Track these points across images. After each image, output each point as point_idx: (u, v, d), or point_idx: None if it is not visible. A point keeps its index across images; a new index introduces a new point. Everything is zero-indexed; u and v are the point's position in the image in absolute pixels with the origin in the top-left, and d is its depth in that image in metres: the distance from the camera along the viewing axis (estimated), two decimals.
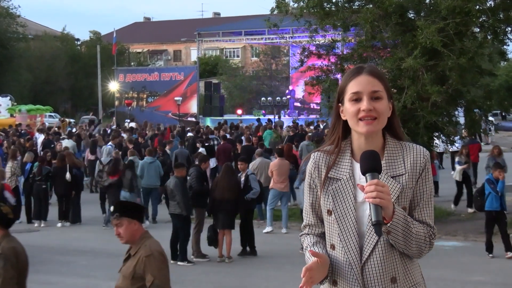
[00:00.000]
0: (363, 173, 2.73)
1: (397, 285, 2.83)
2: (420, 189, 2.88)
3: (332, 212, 2.88)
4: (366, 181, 2.69)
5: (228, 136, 24.89)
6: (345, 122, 2.92)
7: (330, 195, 2.89)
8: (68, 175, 16.23)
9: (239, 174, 13.15)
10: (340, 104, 2.93)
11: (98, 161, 17.56)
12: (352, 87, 2.85)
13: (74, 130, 31.22)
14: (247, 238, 12.84)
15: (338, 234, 2.86)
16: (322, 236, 3.00)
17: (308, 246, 2.96)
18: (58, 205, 16.71)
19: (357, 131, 2.87)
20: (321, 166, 2.95)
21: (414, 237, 2.79)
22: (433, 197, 2.94)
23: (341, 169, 2.91)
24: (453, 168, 23.56)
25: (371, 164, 2.71)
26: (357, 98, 2.83)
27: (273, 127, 28.15)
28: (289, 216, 15.27)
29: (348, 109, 2.86)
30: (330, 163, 2.93)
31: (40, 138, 25.83)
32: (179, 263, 12.00)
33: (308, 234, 3.04)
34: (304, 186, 3.06)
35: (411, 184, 2.86)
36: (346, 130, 2.95)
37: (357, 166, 2.85)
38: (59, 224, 16.32)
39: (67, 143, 22.43)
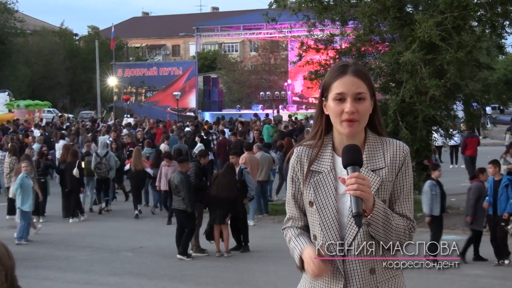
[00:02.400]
0: (345, 166, 2.80)
1: (375, 276, 2.90)
2: (400, 183, 2.96)
3: (314, 203, 2.95)
4: (348, 174, 2.76)
5: (226, 131, 24.87)
6: (328, 116, 2.99)
7: (312, 187, 2.96)
8: (76, 171, 16.10)
9: None
10: (323, 99, 3.00)
11: (94, 154, 17.53)
12: (337, 88, 2.92)
13: (67, 124, 31.00)
14: (242, 234, 12.82)
15: (319, 224, 2.92)
16: (305, 228, 3.07)
17: (293, 237, 3.03)
18: (65, 201, 16.53)
19: (339, 131, 2.95)
20: (304, 160, 3.02)
21: (394, 229, 2.86)
22: (413, 191, 3.01)
23: (323, 162, 2.99)
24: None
25: (353, 157, 2.78)
26: (341, 98, 2.90)
27: (272, 121, 28.14)
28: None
29: (332, 108, 2.93)
30: (312, 157, 3.01)
31: (36, 133, 25.60)
32: (178, 256, 11.99)
33: (291, 227, 3.10)
34: (287, 179, 3.12)
35: (391, 177, 2.94)
36: (328, 124, 3.01)
37: (339, 160, 2.92)
38: (71, 220, 16.13)
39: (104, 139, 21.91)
